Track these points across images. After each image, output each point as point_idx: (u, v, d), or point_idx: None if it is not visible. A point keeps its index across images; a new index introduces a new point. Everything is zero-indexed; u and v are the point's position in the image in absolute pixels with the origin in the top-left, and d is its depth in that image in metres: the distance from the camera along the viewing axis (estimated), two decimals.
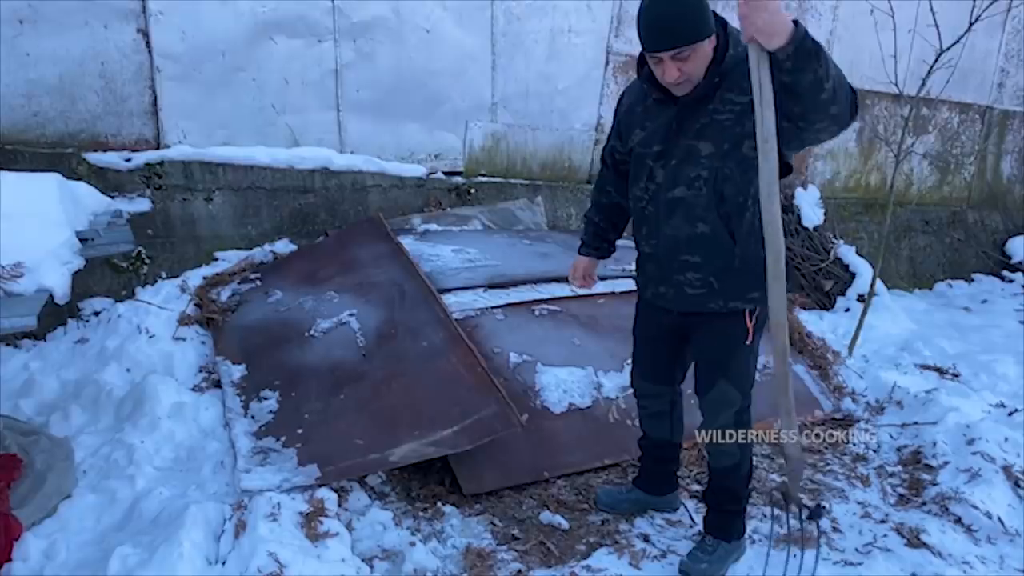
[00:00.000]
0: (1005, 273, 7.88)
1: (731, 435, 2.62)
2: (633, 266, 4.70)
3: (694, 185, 2.38)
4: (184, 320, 4.01)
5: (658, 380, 2.84)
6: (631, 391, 3.67)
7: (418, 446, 2.95)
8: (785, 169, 2.27)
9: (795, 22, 1.94)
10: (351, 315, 3.78)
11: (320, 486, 2.81)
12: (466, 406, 3.10)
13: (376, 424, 3.11)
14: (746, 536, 2.84)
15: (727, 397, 2.59)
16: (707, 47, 2.20)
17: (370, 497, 2.96)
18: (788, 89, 2.00)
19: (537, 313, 3.97)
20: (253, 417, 3.30)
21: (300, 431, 3.15)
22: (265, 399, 3.39)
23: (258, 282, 4.37)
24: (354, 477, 2.97)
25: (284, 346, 3.69)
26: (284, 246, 4.88)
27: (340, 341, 3.63)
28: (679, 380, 2.85)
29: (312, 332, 3.73)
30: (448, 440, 2.98)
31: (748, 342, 2.49)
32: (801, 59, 1.93)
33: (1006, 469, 3.34)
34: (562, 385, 3.56)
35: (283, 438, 3.12)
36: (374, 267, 4.12)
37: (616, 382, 3.70)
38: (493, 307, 3.90)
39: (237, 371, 3.61)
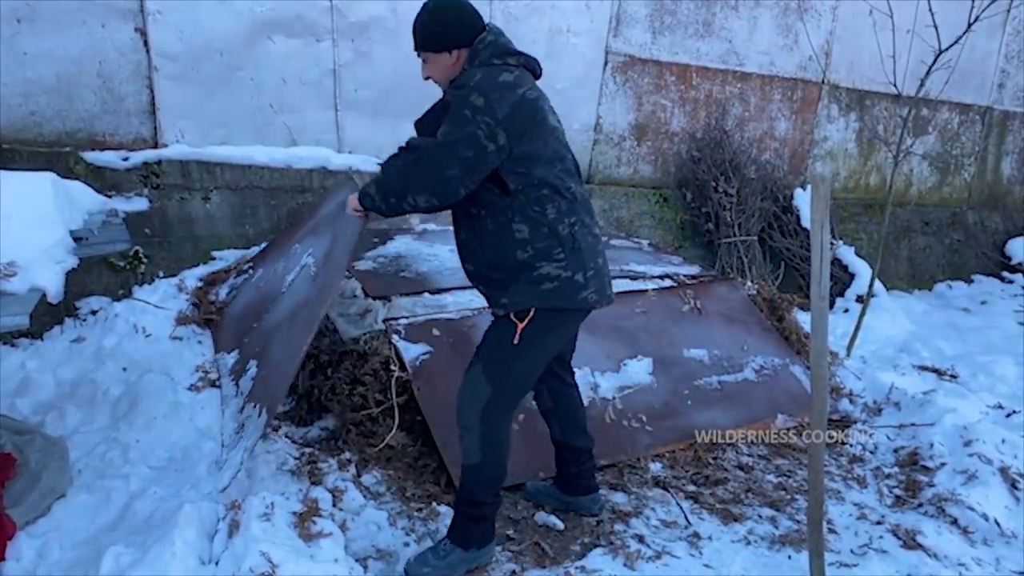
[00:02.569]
0: (1005, 274, 7.87)
1: (471, 427, 2.51)
2: (632, 266, 4.73)
3: None
4: (181, 320, 4.01)
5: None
6: (628, 391, 3.70)
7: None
8: (504, 188, 2.40)
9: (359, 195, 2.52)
10: (309, 255, 3.80)
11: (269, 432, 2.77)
12: None
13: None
14: (487, 549, 2.64)
15: (476, 389, 2.50)
16: (445, 59, 2.49)
17: (364, 497, 2.95)
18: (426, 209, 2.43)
19: None
20: (241, 393, 3.35)
21: (266, 386, 3.17)
22: (248, 370, 3.43)
23: (250, 270, 4.38)
24: (277, 407, 2.95)
25: (264, 315, 3.71)
26: None
27: (302, 283, 3.65)
28: (543, 378, 2.79)
29: (283, 289, 3.77)
30: None
31: (515, 342, 2.45)
32: (378, 203, 2.46)
33: (1003, 471, 3.33)
34: None
35: (257, 404, 3.13)
36: (328, 207, 4.13)
37: (612, 382, 3.70)
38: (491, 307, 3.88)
39: (231, 358, 3.65)
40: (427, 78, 2.57)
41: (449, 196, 2.36)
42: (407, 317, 3.69)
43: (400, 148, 2.50)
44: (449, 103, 2.36)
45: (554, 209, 2.42)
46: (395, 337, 3.53)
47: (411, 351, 3.47)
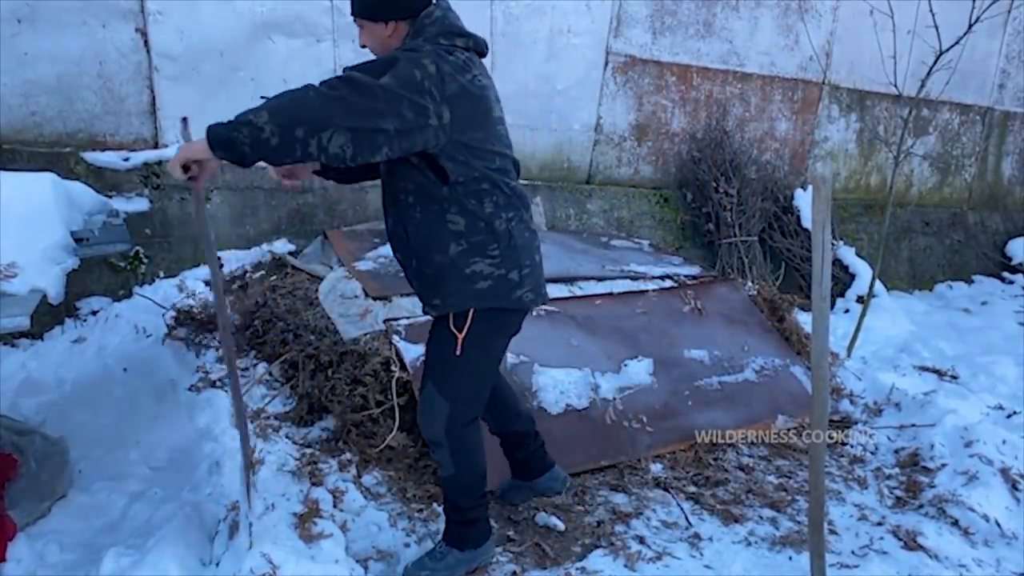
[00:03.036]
0: (1005, 274, 7.87)
1: (439, 442, 2.46)
2: (633, 267, 4.73)
3: (382, 174, 2.39)
4: (182, 320, 4.01)
5: None
6: (629, 392, 3.70)
7: None
8: (443, 177, 2.22)
9: (210, 130, 2.01)
10: None
11: None
12: None
13: None
14: (485, 548, 2.61)
15: (433, 406, 2.43)
16: (381, 30, 2.28)
17: (365, 498, 2.95)
18: (297, 159, 2.01)
19: (534, 314, 3.95)
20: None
21: None
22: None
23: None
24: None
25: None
26: (282, 246, 4.88)
27: None
28: None
29: None
30: None
31: (457, 354, 2.35)
32: (238, 149, 1.99)
33: (1004, 471, 3.33)
34: (559, 386, 3.55)
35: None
36: None
37: (613, 383, 3.70)
38: None
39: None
40: (363, 46, 2.37)
41: (367, 152, 2.01)
42: (407, 317, 3.69)
43: (327, 80, 2.01)
44: (397, 57, 2.07)
45: (492, 203, 2.29)
46: (395, 337, 3.53)
47: (411, 351, 3.47)
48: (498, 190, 2.31)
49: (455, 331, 2.34)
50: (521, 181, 4.95)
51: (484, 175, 2.26)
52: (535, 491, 3.01)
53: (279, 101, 1.96)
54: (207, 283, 4.55)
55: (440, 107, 2.08)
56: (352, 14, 2.33)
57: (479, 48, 2.33)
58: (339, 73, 2.05)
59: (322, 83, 2.00)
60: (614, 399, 3.63)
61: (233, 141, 1.97)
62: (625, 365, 3.82)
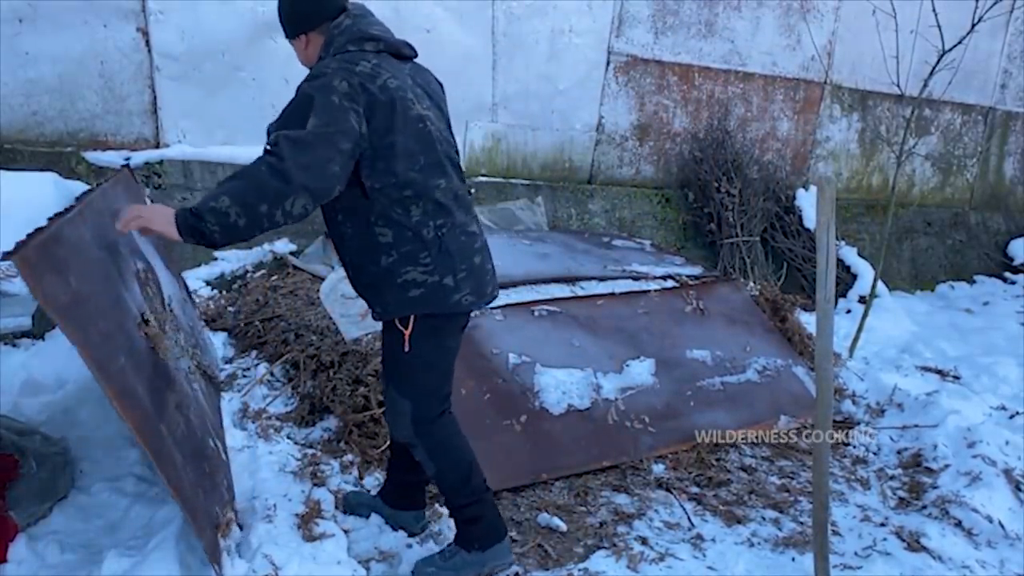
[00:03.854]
0: (1007, 275, 7.86)
1: (413, 442, 2.46)
2: (634, 267, 4.72)
3: None
4: None
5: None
6: (630, 392, 3.69)
7: None
8: (364, 190, 2.23)
9: (177, 214, 2.03)
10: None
11: None
12: None
13: None
14: (497, 550, 2.54)
15: (396, 407, 2.45)
16: (298, 45, 2.36)
17: None
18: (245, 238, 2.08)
19: (536, 314, 3.95)
20: None
21: None
22: None
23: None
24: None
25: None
26: (284, 246, 4.87)
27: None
28: None
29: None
30: None
31: (406, 350, 2.35)
32: (208, 236, 2.03)
33: (1007, 472, 3.32)
34: (561, 386, 3.55)
35: None
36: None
37: (615, 383, 3.69)
38: (492, 307, 3.88)
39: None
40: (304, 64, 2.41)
41: (326, 197, 2.12)
42: None
43: (261, 155, 2.10)
44: (311, 96, 2.10)
45: (419, 211, 2.26)
46: None
47: None
48: (424, 196, 2.26)
49: (401, 328, 2.35)
50: (521, 181, 4.99)
51: (407, 181, 2.22)
52: (389, 518, 2.81)
53: (236, 184, 2.04)
54: (208, 283, 4.56)
55: (360, 120, 2.12)
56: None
57: (394, 49, 2.32)
58: (272, 139, 2.10)
59: (264, 153, 2.07)
60: (616, 399, 3.62)
61: (203, 231, 2.02)
62: (627, 365, 3.82)
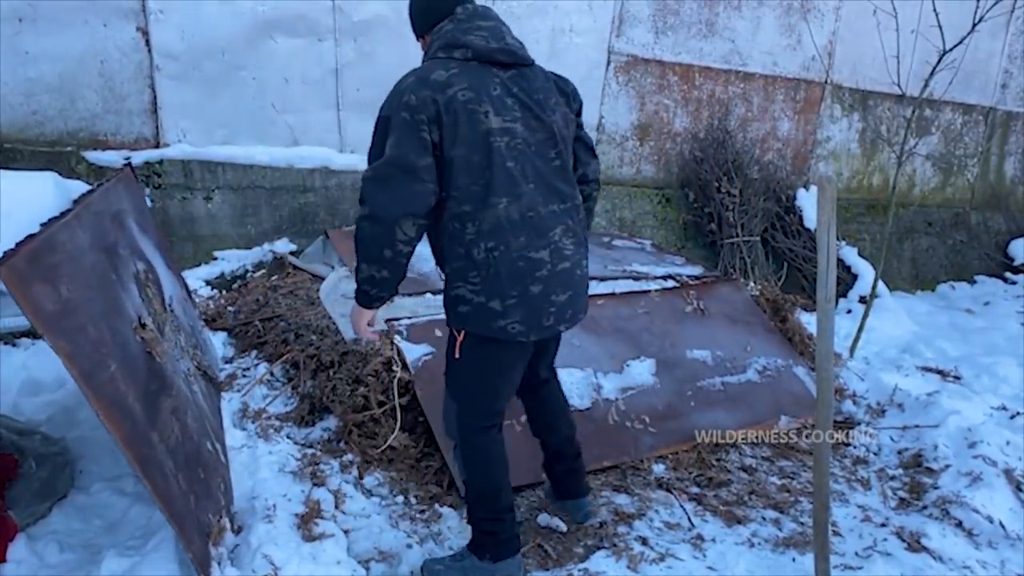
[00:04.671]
0: (1008, 275, 7.86)
1: (456, 441, 2.57)
2: (635, 267, 4.72)
3: None
4: None
5: None
6: (631, 392, 3.68)
7: None
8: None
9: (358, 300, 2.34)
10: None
11: None
12: None
13: None
14: (507, 564, 2.52)
15: (447, 399, 2.56)
16: (422, 45, 2.45)
17: (367, 498, 2.94)
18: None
19: None
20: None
21: None
22: None
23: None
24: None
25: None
26: (284, 245, 4.87)
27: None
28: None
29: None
30: None
31: (456, 356, 2.41)
32: (376, 297, 2.31)
33: (1007, 472, 3.32)
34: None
35: None
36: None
37: (616, 383, 3.68)
38: None
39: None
40: None
41: (426, 206, 2.19)
42: (409, 317, 3.68)
43: (361, 199, 2.23)
44: (388, 116, 2.18)
45: (474, 229, 2.23)
46: (397, 337, 3.53)
47: (413, 351, 3.47)
48: (481, 214, 2.22)
49: (455, 332, 2.41)
50: None
51: (465, 196, 2.21)
52: (559, 507, 2.99)
53: (360, 251, 2.23)
54: (208, 283, 4.55)
55: (431, 128, 2.16)
56: None
57: (487, 56, 2.27)
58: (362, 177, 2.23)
59: (360, 203, 2.20)
60: (616, 399, 3.62)
61: (371, 297, 2.30)
62: (627, 365, 3.81)
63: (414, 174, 2.14)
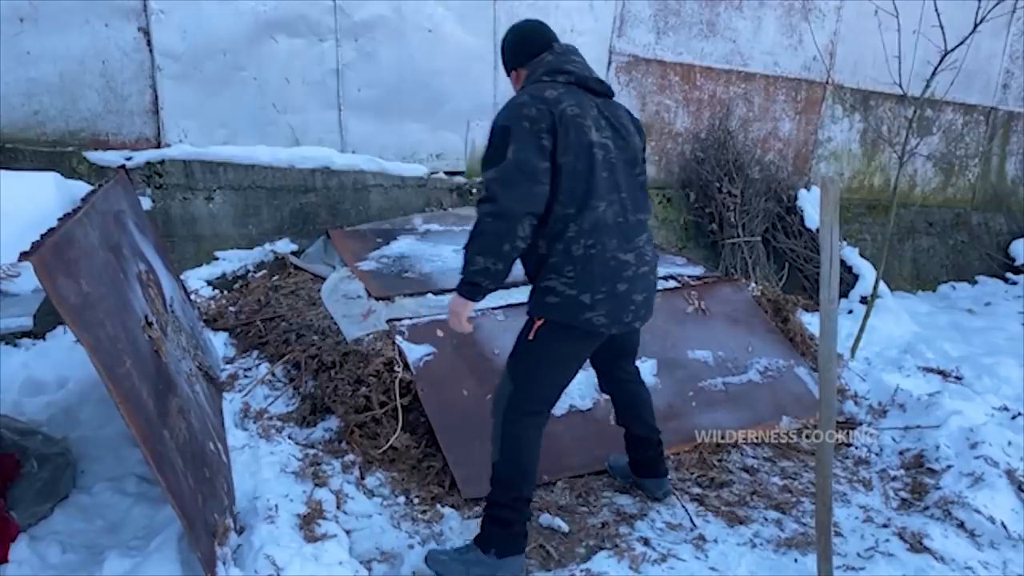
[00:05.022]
0: (1009, 275, 7.86)
1: (496, 422, 2.62)
2: None
3: None
4: None
5: None
6: None
7: None
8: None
9: (460, 292, 2.47)
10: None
11: None
12: None
13: None
14: (510, 563, 2.55)
15: (504, 379, 2.63)
16: (512, 79, 2.75)
17: (368, 499, 2.94)
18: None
19: None
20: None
21: None
22: None
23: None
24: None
25: None
26: (285, 245, 4.87)
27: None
28: (607, 366, 3.05)
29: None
30: None
31: (530, 338, 2.56)
32: (484, 289, 2.45)
33: (1009, 473, 3.31)
34: None
35: None
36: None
37: None
38: (493, 308, 3.88)
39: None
40: None
41: (542, 208, 2.40)
42: (410, 318, 3.68)
43: (479, 201, 2.45)
44: (507, 126, 2.41)
45: (575, 228, 2.45)
46: (398, 338, 3.52)
47: (414, 352, 3.47)
48: (583, 216, 2.44)
49: (535, 318, 2.56)
50: None
51: (570, 198, 2.43)
52: (636, 484, 3.21)
53: (477, 243, 2.38)
54: (209, 283, 4.55)
55: (548, 138, 2.39)
56: None
57: (584, 83, 2.57)
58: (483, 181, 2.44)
59: (479, 200, 2.39)
60: None
61: (481, 289, 2.44)
62: None
63: (535, 176, 2.35)
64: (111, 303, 2.05)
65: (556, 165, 2.40)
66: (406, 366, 3.40)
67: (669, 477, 3.21)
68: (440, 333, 3.59)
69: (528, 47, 2.66)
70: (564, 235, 2.45)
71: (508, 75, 2.77)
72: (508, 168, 2.36)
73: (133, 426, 1.81)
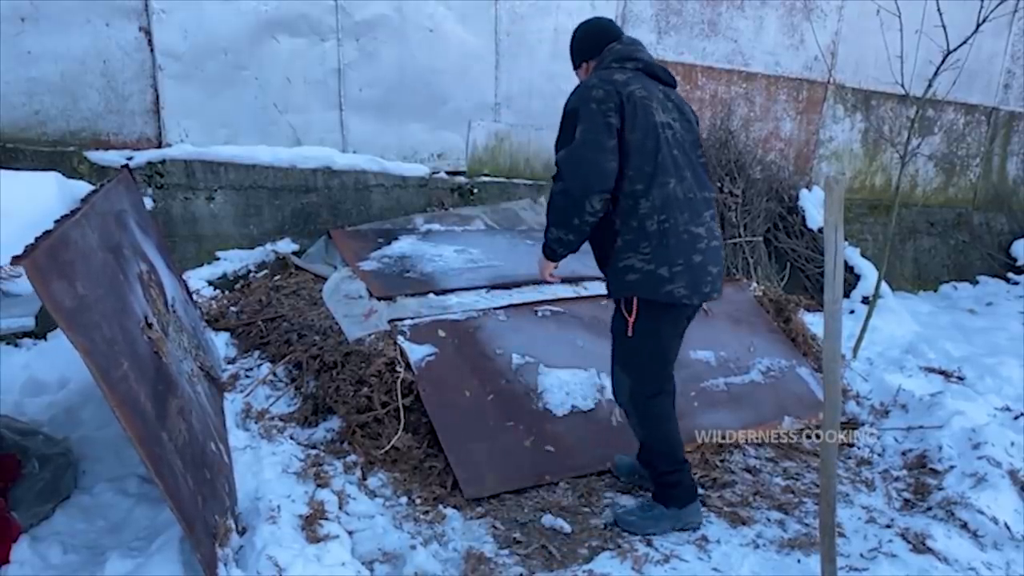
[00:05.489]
0: (1010, 275, 7.85)
1: (628, 411, 2.89)
2: None
3: None
4: None
5: None
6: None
7: None
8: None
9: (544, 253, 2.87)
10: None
11: None
12: None
13: None
14: (691, 509, 2.91)
15: (618, 375, 2.84)
16: (580, 73, 2.93)
17: (370, 499, 2.93)
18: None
19: (540, 314, 3.94)
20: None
21: None
22: None
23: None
24: None
25: None
26: (286, 245, 4.87)
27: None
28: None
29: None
30: None
31: (629, 335, 2.73)
32: (560, 254, 2.83)
33: (1012, 473, 3.30)
34: (565, 387, 3.53)
35: None
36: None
37: None
38: (495, 308, 3.88)
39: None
40: None
41: (611, 184, 2.56)
42: (412, 318, 3.67)
43: (552, 178, 2.66)
44: (576, 108, 2.57)
45: (647, 204, 2.58)
46: (400, 338, 3.52)
47: (416, 352, 3.46)
48: (653, 192, 2.59)
49: (626, 315, 2.71)
50: (524, 181, 5.05)
51: (639, 175, 2.58)
52: (641, 480, 3.22)
53: (551, 216, 2.69)
54: (211, 283, 4.55)
55: (616, 116, 2.55)
56: None
57: (651, 71, 2.76)
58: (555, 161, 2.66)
59: (553, 177, 2.65)
60: None
61: (557, 254, 2.80)
62: None
63: (603, 153, 2.52)
64: (109, 305, 2.04)
65: (624, 143, 2.55)
66: (408, 366, 3.39)
67: None
68: (442, 333, 3.59)
69: (598, 39, 2.83)
70: (637, 211, 2.59)
71: (576, 70, 2.93)
72: (576, 148, 2.53)
73: (130, 429, 1.80)
